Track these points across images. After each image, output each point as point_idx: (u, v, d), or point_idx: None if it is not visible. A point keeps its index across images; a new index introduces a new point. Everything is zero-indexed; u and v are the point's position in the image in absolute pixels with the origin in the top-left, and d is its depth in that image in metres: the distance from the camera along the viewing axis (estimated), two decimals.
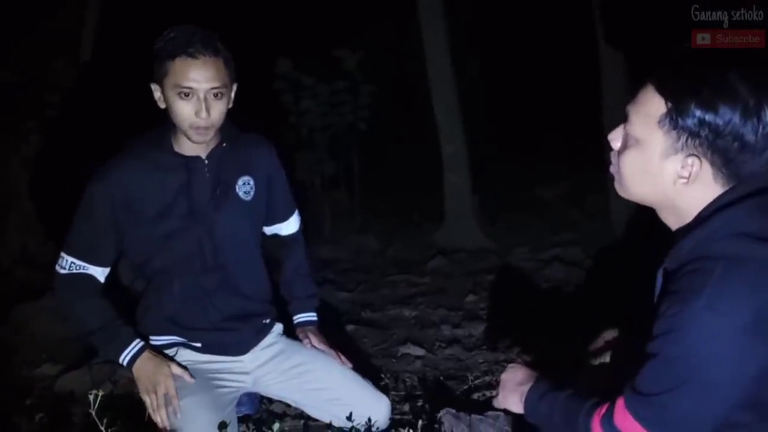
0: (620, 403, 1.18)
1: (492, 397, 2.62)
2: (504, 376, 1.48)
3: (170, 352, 1.88)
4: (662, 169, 1.17)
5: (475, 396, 2.70)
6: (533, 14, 8.04)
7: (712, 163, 1.14)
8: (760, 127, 1.09)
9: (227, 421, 1.72)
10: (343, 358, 2.00)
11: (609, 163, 1.28)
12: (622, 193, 1.28)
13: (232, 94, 1.79)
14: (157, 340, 1.90)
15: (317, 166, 5.91)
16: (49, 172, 4.75)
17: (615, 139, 1.26)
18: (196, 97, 1.69)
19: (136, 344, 1.79)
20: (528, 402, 1.37)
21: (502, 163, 7.24)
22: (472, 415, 2.06)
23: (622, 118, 1.24)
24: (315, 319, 2.10)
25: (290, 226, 2.11)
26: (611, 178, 1.29)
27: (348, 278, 4.67)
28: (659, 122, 1.15)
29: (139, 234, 1.79)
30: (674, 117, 1.13)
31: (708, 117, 1.10)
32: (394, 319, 3.77)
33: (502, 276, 4.46)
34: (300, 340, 2.03)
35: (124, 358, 1.77)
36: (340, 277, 4.70)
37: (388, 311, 3.89)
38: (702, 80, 1.11)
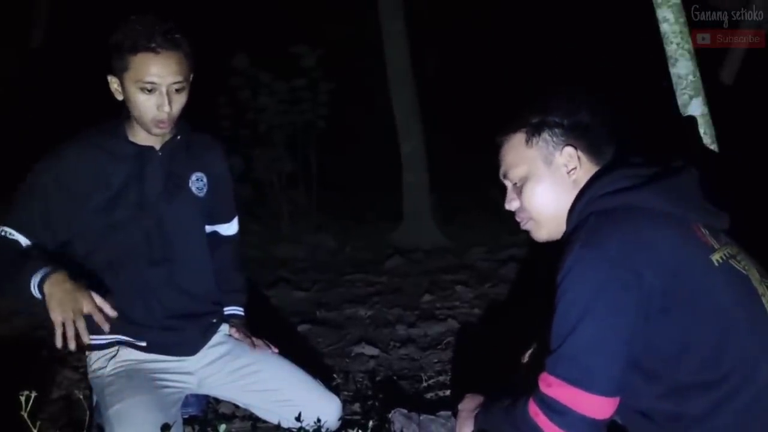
0: (542, 373, 1.26)
1: (445, 397, 2.64)
2: (460, 406, 1.58)
3: (111, 352, 1.82)
4: (554, 172, 1.39)
5: (429, 396, 2.68)
6: (489, 15, 8.12)
7: (583, 149, 1.38)
8: (582, 112, 1.38)
9: (171, 423, 1.68)
10: (271, 346, 1.98)
11: (522, 230, 1.48)
12: (542, 234, 1.45)
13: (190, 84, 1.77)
14: (98, 339, 1.83)
15: (275, 164, 5.84)
16: None
17: (511, 200, 1.46)
18: (159, 92, 1.68)
19: (47, 268, 1.58)
20: (478, 423, 1.47)
21: (460, 162, 7.27)
22: (423, 415, 2.03)
23: (504, 187, 1.47)
24: (240, 313, 2.08)
25: (232, 227, 2.10)
26: (529, 235, 1.47)
27: (304, 277, 4.61)
28: (527, 144, 1.40)
29: (84, 222, 1.74)
30: (534, 130, 1.39)
31: (552, 116, 1.38)
32: (350, 318, 3.74)
33: (459, 275, 4.47)
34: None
35: (35, 282, 1.55)
36: (296, 276, 4.65)
37: (344, 310, 3.85)
38: (540, 100, 1.42)
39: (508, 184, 1.46)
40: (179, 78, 1.69)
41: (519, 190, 1.43)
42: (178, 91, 1.71)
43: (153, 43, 1.65)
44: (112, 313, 1.58)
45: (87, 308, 1.53)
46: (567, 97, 1.41)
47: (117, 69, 1.69)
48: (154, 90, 1.68)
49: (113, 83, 1.73)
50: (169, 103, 1.69)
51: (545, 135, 1.39)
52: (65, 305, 1.52)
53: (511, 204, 1.46)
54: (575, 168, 1.38)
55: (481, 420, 1.47)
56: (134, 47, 1.65)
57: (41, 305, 1.56)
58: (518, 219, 1.47)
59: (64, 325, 1.50)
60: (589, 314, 1.21)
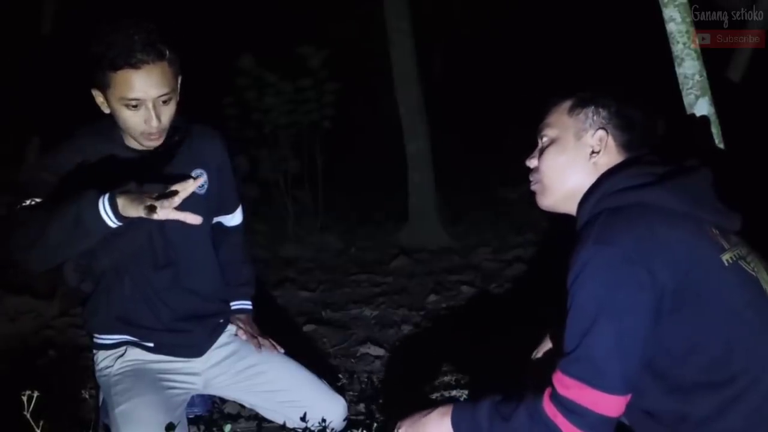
0: (557, 374, 1.24)
1: (451, 398, 2.64)
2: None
3: (118, 351, 1.82)
4: (579, 148, 1.40)
5: (435, 396, 2.68)
6: (495, 15, 8.10)
7: (615, 137, 1.39)
8: (635, 108, 1.40)
9: (176, 423, 1.68)
10: (278, 347, 1.97)
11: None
12: (544, 201, 1.47)
13: (178, 88, 1.72)
14: (106, 338, 1.84)
15: (281, 165, 5.84)
16: None
17: (533, 157, 1.47)
18: (145, 107, 1.62)
19: (105, 194, 1.51)
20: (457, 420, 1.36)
21: (467, 163, 7.27)
22: None
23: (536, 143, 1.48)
24: (248, 307, 2.05)
25: (236, 218, 2.06)
26: (532, 195, 1.49)
27: (310, 277, 4.62)
28: (569, 112, 1.42)
29: None
30: (580, 102, 1.41)
31: (604, 98, 1.40)
32: (355, 318, 3.74)
33: (465, 276, 4.46)
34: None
35: (102, 204, 1.49)
36: (302, 276, 4.65)
37: (349, 311, 3.86)
38: (604, 82, 1.44)
39: (539, 141, 1.48)
40: (165, 90, 1.62)
41: (543, 151, 1.45)
42: (165, 102, 1.64)
43: (133, 58, 1.56)
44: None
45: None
46: (627, 89, 1.43)
47: (99, 84, 1.63)
48: (139, 106, 1.61)
49: (98, 97, 1.66)
50: (157, 116, 1.63)
51: (588, 111, 1.41)
52: (145, 198, 1.47)
53: (531, 161, 1.48)
54: (598, 152, 1.39)
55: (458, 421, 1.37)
56: (114, 64, 1.57)
57: (103, 230, 1.51)
58: (531, 178, 1.49)
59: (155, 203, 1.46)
60: (604, 314, 1.20)
